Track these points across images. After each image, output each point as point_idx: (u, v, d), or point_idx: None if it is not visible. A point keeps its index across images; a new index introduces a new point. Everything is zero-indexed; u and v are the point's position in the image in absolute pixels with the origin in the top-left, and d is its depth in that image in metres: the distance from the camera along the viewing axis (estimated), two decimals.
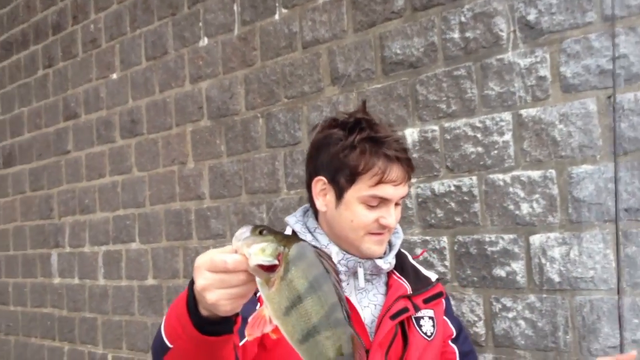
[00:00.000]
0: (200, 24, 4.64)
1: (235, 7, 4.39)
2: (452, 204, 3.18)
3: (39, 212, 6.52)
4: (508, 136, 2.97)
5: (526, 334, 2.90)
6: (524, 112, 2.93)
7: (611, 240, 2.64)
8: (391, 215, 1.47)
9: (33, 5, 6.67)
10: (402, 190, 1.50)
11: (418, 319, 1.52)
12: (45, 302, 6.40)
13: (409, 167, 1.52)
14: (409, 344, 1.47)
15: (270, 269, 0.89)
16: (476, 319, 3.08)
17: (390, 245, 1.60)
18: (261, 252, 0.90)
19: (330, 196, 1.51)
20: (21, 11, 6.89)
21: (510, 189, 2.96)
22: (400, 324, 1.49)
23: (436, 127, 3.25)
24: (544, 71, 2.86)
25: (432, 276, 1.66)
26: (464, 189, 3.13)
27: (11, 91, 7.03)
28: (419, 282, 1.58)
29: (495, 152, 3.02)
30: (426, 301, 1.56)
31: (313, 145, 1.55)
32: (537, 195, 2.87)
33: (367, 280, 1.51)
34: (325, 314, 0.89)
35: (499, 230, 3.00)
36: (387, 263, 1.53)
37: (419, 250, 3.23)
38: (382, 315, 1.45)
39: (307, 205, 1.65)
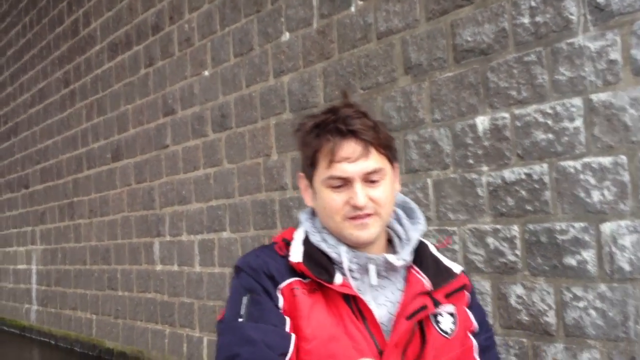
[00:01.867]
0: (282, 19, 4.79)
1: (314, 2, 4.50)
2: (523, 192, 3.14)
3: (143, 203, 6.94)
4: (579, 122, 2.91)
5: (597, 324, 2.83)
6: (594, 97, 2.85)
7: None
8: (358, 195, 1.35)
9: (135, 7, 7.08)
10: (362, 165, 1.35)
11: (436, 315, 1.41)
12: (149, 287, 6.81)
13: (370, 139, 1.36)
14: (426, 343, 1.38)
15: None
16: (547, 308, 3.04)
17: (407, 237, 1.46)
18: None
19: (309, 189, 1.46)
20: (124, 13, 7.34)
21: (581, 176, 2.89)
22: (419, 323, 1.39)
23: (507, 115, 3.22)
24: (615, 54, 2.77)
25: (456, 267, 1.49)
26: (535, 177, 3.09)
27: (117, 90, 7.51)
28: (439, 275, 1.44)
29: (566, 138, 2.95)
30: (448, 296, 1.44)
31: (296, 137, 1.48)
32: (608, 182, 2.79)
33: (383, 277, 1.41)
34: None
35: (570, 219, 2.94)
36: (401, 260, 1.40)
37: (491, 241, 3.21)
38: (398, 314, 1.36)
39: None
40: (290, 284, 1.36)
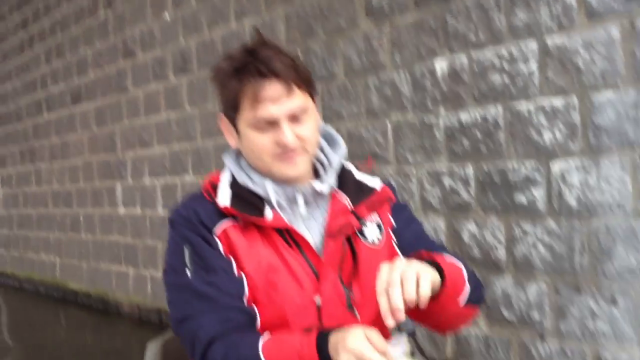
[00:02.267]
0: None
1: None
2: (478, 134, 3.25)
3: (104, 147, 6.90)
4: (533, 65, 3.00)
5: (544, 258, 2.99)
6: (549, 40, 2.94)
7: (629, 166, 2.67)
8: (285, 134, 1.36)
9: None
10: (287, 104, 1.36)
11: (362, 230, 1.45)
12: (112, 230, 6.84)
13: (292, 78, 1.36)
14: (357, 257, 1.42)
15: None
16: (497, 243, 3.19)
17: (330, 163, 1.48)
18: None
19: (233, 131, 1.43)
20: None
21: (534, 118, 3.00)
22: (348, 240, 1.42)
23: (465, 58, 3.29)
24: None
25: (377, 183, 1.53)
26: (489, 119, 3.19)
27: (76, 32, 7.36)
28: (361, 193, 1.48)
29: (521, 81, 3.05)
30: (371, 209, 1.47)
31: (214, 80, 1.45)
32: (559, 123, 2.91)
33: (311, 205, 1.44)
34: None
35: (522, 159, 3.06)
36: (326, 185, 1.43)
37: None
38: (325, 235, 1.40)
39: None
40: (224, 227, 1.38)
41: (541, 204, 3.00)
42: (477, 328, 3.34)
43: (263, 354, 1.22)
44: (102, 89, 6.85)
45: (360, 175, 1.53)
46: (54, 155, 8.02)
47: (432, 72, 3.47)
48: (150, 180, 6.15)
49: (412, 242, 1.49)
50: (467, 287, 1.35)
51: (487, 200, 3.23)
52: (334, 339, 1.15)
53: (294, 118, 1.38)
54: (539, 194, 3.00)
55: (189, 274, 1.34)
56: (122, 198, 6.64)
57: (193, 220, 1.37)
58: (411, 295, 1.11)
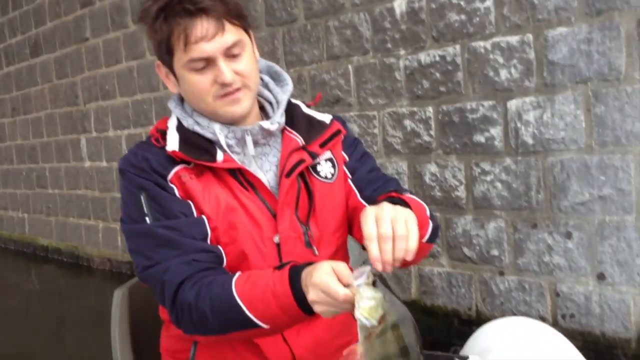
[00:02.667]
0: None
1: None
2: (437, 74, 3.24)
3: (66, 99, 6.76)
4: (489, 2, 2.98)
5: (502, 195, 3.03)
6: None
7: (582, 102, 2.69)
8: (223, 71, 1.32)
9: None
10: (221, 41, 1.32)
11: (315, 166, 1.45)
12: (79, 184, 6.77)
13: (222, 13, 1.33)
14: (313, 195, 1.42)
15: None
16: (457, 183, 3.22)
17: (277, 101, 1.48)
18: (368, 311, 0.99)
19: (171, 76, 1.40)
20: None
21: (491, 56, 3.00)
22: (302, 177, 1.42)
23: None
24: None
25: (327, 118, 1.52)
26: (448, 59, 3.18)
27: None
28: (312, 129, 1.47)
29: (477, 19, 3.03)
30: (323, 145, 1.46)
31: (141, 27, 1.40)
32: (515, 61, 2.91)
33: (263, 144, 1.43)
34: None
35: (480, 98, 3.07)
36: (275, 123, 1.42)
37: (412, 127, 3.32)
38: (279, 174, 1.40)
39: None
40: (176, 172, 1.36)
41: (499, 143, 3.02)
42: (439, 267, 3.40)
43: (236, 291, 1.22)
44: (61, 39, 6.67)
45: (308, 111, 1.52)
46: (15, 110, 7.85)
47: (391, 12, 3.43)
48: (114, 132, 6.06)
49: (367, 177, 1.50)
50: (430, 226, 1.36)
51: (447, 141, 3.24)
52: (304, 274, 1.16)
53: (230, 54, 1.34)
54: (496, 132, 3.02)
55: (148, 220, 1.33)
56: (87, 151, 6.55)
57: (145, 167, 1.35)
58: (401, 254, 1.08)
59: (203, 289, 1.25)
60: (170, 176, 1.35)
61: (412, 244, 1.09)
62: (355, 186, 1.48)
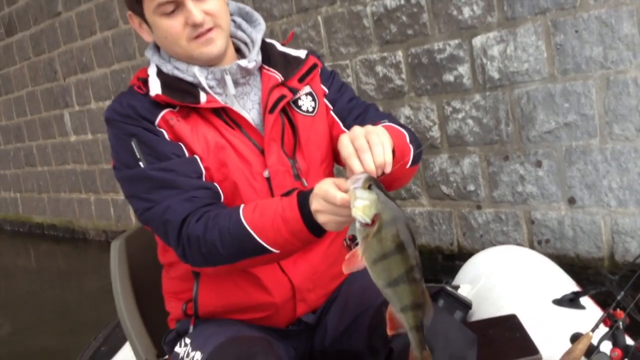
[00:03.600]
0: None
1: None
2: (404, 18, 3.28)
3: (45, 75, 6.77)
4: None
5: (474, 131, 3.11)
6: None
7: (542, 32, 2.75)
8: (193, 12, 1.35)
9: None
10: None
11: (296, 101, 1.48)
12: (67, 159, 6.82)
13: None
14: (296, 129, 1.46)
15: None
16: (431, 124, 3.29)
17: (252, 40, 1.49)
18: (362, 209, 1.03)
19: (144, 25, 1.42)
20: None
21: None
22: (284, 112, 1.46)
23: None
24: None
25: (302, 53, 1.54)
26: (413, 1, 3.22)
27: None
28: (289, 65, 1.49)
29: None
30: (301, 79, 1.49)
31: None
32: None
33: (243, 84, 1.46)
34: (405, 272, 1.04)
35: (445, 38, 3.12)
36: (252, 61, 1.44)
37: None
38: (263, 111, 1.43)
39: None
40: (163, 116, 1.38)
41: (467, 80, 3.09)
42: (420, 206, 3.50)
43: (245, 220, 1.26)
44: (34, 15, 6.64)
45: (283, 48, 1.54)
46: None
47: None
48: (96, 104, 6.09)
49: (347, 106, 1.53)
50: (411, 150, 1.36)
51: (418, 83, 3.31)
52: (311, 196, 1.19)
53: None
54: (464, 70, 3.09)
55: (142, 165, 1.35)
56: (71, 125, 6.59)
57: (132, 114, 1.37)
58: (380, 159, 1.12)
59: (210, 222, 1.28)
60: (157, 120, 1.37)
61: (388, 152, 1.13)
62: (338, 116, 1.52)
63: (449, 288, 1.92)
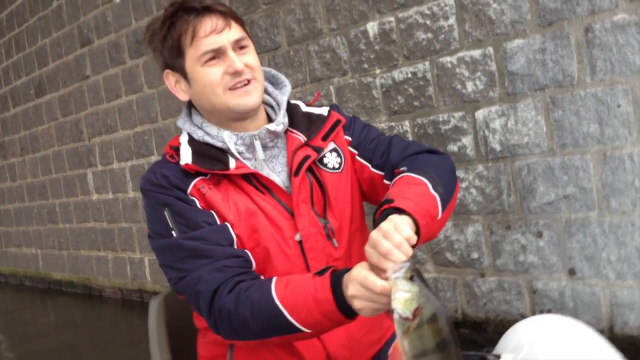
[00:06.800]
0: None
1: None
2: (411, 90, 3.42)
3: (72, 135, 7.00)
4: (452, 20, 3.16)
5: (477, 200, 3.19)
6: None
7: (542, 108, 2.85)
8: (234, 60, 1.39)
9: None
10: (229, 35, 1.41)
11: (321, 159, 1.49)
12: (87, 217, 6.98)
13: (225, 11, 1.43)
14: (325, 187, 1.47)
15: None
16: None
17: (278, 103, 1.53)
18: (403, 302, 1.01)
19: (182, 81, 1.47)
20: None
21: (457, 70, 3.17)
22: (311, 172, 1.47)
23: (392, 18, 3.45)
24: None
25: (324, 110, 1.57)
26: (419, 75, 3.35)
27: (33, 24, 7.40)
28: (312, 125, 1.52)
29: (443, 36, 3.21)
30: (325, 137, 1.51)
31: (149, 46, 1.50)
32: (479, 73, 3.08)
33: (271, 147, 1.48)
34: None
35: (450, 110, 3.24)
36: (280, 124, 1.47)
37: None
38: (289, 173, 1.45)
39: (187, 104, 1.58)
40: (195, 185, 1.41)
41: (470, 151, 3.18)
42: (426, 272, 3.54)
43: (277, 297, 1.25)
44: (64, 78, 6.93)
45: (307, 109, 1.57)
46: (24, 149, 8.11)
47: (365, 34, 3.62)
48: (118, 165, 6.28)
49: (371, 147, 1.54)
50: (438, 202, 1.31)
51: None
52: (345, 278, 1.18)
53: (238, 47, 1.42)
54: (467, 141, 3.18)
55: (174, 234, 1.38)
56: (93, 184, 6.77)
57: (165, 184, 1.41)
58: (409, 253, 1.13)
59: (242, 295, 1.28)
60: (189, 189, 1.41)
61: (412, 241, 1.13)
62: (364, 159, 1.53)
63: (490, 357, 1.82)
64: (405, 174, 1.38)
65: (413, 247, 1.15)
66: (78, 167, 6.98)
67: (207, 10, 1.41)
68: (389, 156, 1.50)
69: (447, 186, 1.37)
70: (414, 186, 1.32)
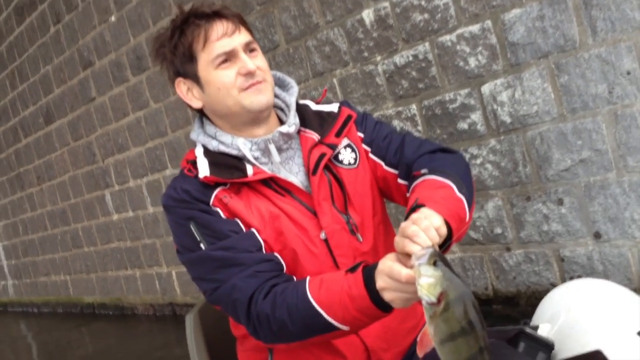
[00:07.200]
0: None
1: None
2: (414, 73, 3.40)
3: (85, 159, 7.06)
4: None
5: (494, 175, 3.16)
6: None
7: (547, 75, 2.83)
8: (246, 62, 1.43)
9: None
10: (239, 38, 1.44)
11: (337, 156, 1.51)
12: (111, 238, 7.03)
13: (233, 16, 1.46)
14: (343, 183, 1.49)
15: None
16: None
17: (287, 105, 1.55)
18: (427, 288, 1.02)
19: (195, 88, 1.49)
20: None
21: (458, 47, 3.15)
22: (329, 170, 1.49)
23: (387, 3, 3.42)
24: None
25: (335, 107, 1.58)
26: (420, 57, 3.33)
27: (34, 53, 7.46)
28: (324, 123, 1.53)
29: (439, 15, 3.19)
30: (338, 134, 1.53)
31: (157, 59, 1.52)
32: (480, 48, 3.05)
33: (286, 149, 1.50)
34: (473, 355, 1.02)
35: (455, 88, 3.21)
36: (292, 125, 1.49)
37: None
38: (307, 173, 1.47)
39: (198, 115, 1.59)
40: (216, 195, 1.42)
41: (481, 127, 3.16)
42: (451, 254, 3.53)
43: (313, 298, 1.27)
44: (70, 102, 6.98)
45: (317, 107, 1.59)
46: (40, 178, 8.19)
47: (362, 23, 3.60)
48: (134, 182, 6.32)
49: (384, 144, 1.55)
50: (465, 204, 1.33)
51: (435, 133, 3.39)
52: (376, 272, 1.19)
53: (248, 50, 1.46)
54: (477, 117, 3.16)
55: (203, 247, 1.40)
56: (113, 205, 6.82)
57: (187, 198, 1.42)
58: (436, 240, 1.13)
59: (278, 298, 1.30)
60: (212, 200, 1.42)
61: (441, 231, 1.14)
62: (378, 157, 1.55)
63: (528, 329, 1.82)
64: (427, 176, 1.38)
65: (446, 250, 1.17)
66: (95, 189, 7.04)
67: (217, 15, 1.45)
68: (402, 154, 1.51)
69: (469, 187, 1.39)
70: (440, 189, 1.32)
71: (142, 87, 5.72)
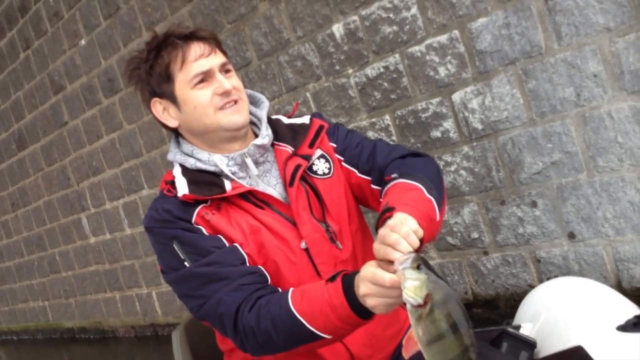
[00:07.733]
0: None
1: None
2: (386, 84, 3.45)
3: (60, 183, 7.00)
4: (414, 9, 3.19)
5: (468, 181, 3.22)
6: None
7: (515, 81, 2.89)
8: (223, 82, 1.47)
9: None
10: (216, 59, 1.48)
11: (311, 167, 1.54)
12: (89, 261, 6.97)
13: (209, 38, 1.50)
14: (319, 193, 1.52)
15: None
16: None
17: (259, 119, 1.58)
18: (413, 290, 1.03)
19: (171, 108, 1.51)
20: None
21: (427, 57, 3.20)
22: (305, 180, 1.52)
23: (356, 17, 3.48)
24: None
25: (306, 119, 1.62)
26: (391, 68, 3.39)
27: (4, 79, 7.41)
28: (297, 135, 1.57)
29: (408, 27, 3.25)
30: (311, 145, 1.56)
31: (131, 81, 1.54)
32: (449, 57, 3.11)
33: (262, 162, 1.53)
34: (460, 353, 1.03)
35: (427, 97, 3.27)
36: (265, 137, 1.52)
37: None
38: (284, 185, 1.50)
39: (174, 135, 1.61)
40: (198, 213, 1.44)
41: (454, 134, 3.22)
42: (430, 260, 3.57)
43: (295, 309, 1.29)
44: (43, 127, 6.93)
45: (289, 120, 1.63)
46: (15, 204, 8.10)
47: (332, 37, 3.65)
48: (110, 204, 6.28)
49: (356, 152, 1.58)
50: (435, 204, 1.35)
51: (409, 142, 3.44)
52: (355, 280, 1.21)
53: (224, 70, 1.50)
54: (449, 125, 3.22)
55: (187, 264, 1.42)
56: (89, 228, 6.77)
57: (169, 218, 1.45)
58: (416, 245, 1.15)
59: (262, 310, 1.32)
60: (194, 218, 1.45)
61: (419, 234, 1.17)
62: (351, 165, 1.58)
63: (510, 329, 1.87)
64: (397, 180, 1.41)
65: (418, 249, 1.18)
66: (71, 213, 6.98)
67: (194, 36, 1.49)
68: (374, 161, 1.55)
69: (439, 189, 1.41)
70: (410, 192, 1.35)
71: (115, 109, 5.71)
